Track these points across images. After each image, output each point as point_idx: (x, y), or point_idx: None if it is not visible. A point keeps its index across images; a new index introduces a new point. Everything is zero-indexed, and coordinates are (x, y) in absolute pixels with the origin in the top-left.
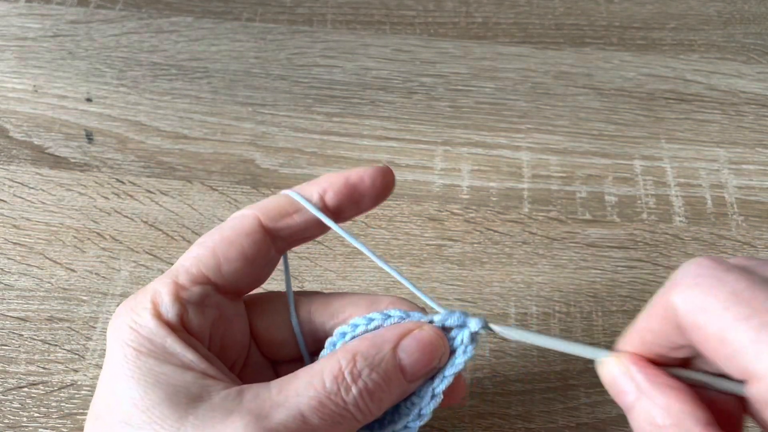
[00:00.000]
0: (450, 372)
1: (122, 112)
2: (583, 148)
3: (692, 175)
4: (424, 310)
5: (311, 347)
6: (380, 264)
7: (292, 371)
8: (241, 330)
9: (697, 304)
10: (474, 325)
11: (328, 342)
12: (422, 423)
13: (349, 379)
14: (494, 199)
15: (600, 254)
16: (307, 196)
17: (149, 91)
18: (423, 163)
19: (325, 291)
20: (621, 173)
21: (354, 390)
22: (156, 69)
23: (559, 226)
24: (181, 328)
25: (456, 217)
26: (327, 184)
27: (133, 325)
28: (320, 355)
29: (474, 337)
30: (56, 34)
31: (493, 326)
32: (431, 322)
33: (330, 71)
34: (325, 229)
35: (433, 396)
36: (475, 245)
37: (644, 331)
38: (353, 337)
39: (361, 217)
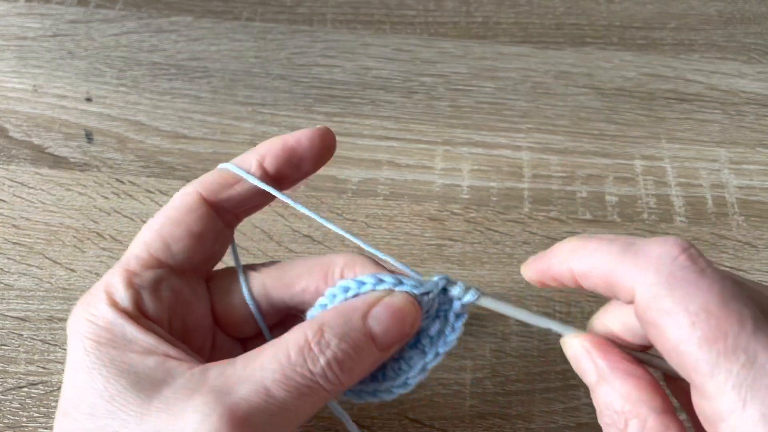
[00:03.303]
0: (443, 349)
1: (122, 111)
2: (584, 148)
3: (693, 175)
4: (391, 272)
5: (272, 320)
6: (335, 229)
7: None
8: (202, 312)
9: (663, 308)
10: (459, 292)
11: (308, 315)
12: (406, 391)
13: (316, 349)
14: (495, 199)
15: None
16: (245, 165)
17: (149, 90)
18: (423, 162)
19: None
20: (621, 173)
21: (322, 360)
22: (156, 69)
23: (560, 226)
24: (138, 314)
25: (456, 217)
26: (264, 150)
27: (90, 317)
28: None
29: (462, 312)
30: (56, 34)
31: (484, 300)
32: (414, 291)
33: (330, 71)
34: (270, 197)
35: (423, 370)
36: (476, 245)
37: (611, 316)
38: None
39: (361, 217)
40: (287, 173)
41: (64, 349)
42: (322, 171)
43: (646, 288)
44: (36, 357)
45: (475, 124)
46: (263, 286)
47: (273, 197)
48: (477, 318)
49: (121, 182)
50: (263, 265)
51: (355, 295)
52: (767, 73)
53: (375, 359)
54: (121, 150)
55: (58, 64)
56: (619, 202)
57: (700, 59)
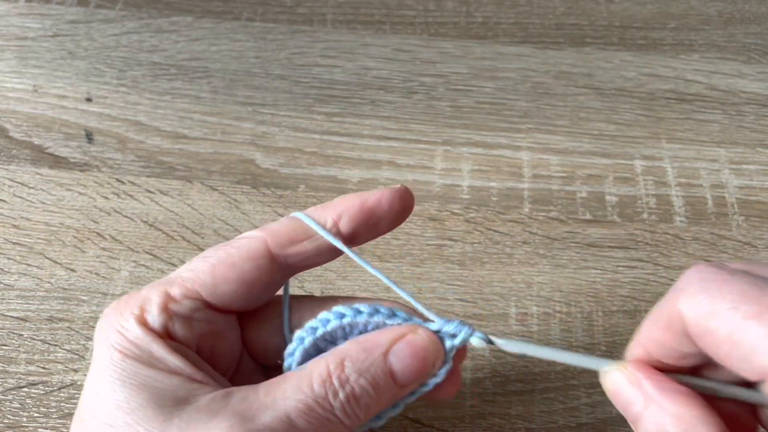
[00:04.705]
0: (421, 390)
1: (122, 111)
2: (584, 148)
3: (693, 175)
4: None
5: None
6: (391, 284)
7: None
8: (232, 342)
9: (704, 309)
10: (465, 335)
11: (295, 336)
12: (376, 425)
13: (336, 383)
14: (495, 199)
15: (600, 254)
16: (320, 220)
17: (149, 90)
18: (423, 163)
19: (319, 294)
20: (621, 173)
21: (341, 395)
22: (156, 69)
23: (560, 225)
24: (166, 336)
25: (456, 217)
26: (342, 207)
27: (120, 328)
28: (287, 351)
29: (452, 351)
30: (56, 34)
31: (494, 339)
32: (436, 329)
33: (330, 71)
34: (337, 254)
35: (395, 407)
36: (476, 245)
37: (648, 341)
38: (323, 334)
39: None
40: (361, 233)
41: (65, 349)
42: (322, 171)
43: None
44: (36, 357)
45: (475, 124)
46: (299, 318)
47: (339, 254)
48: (477, 318)
49: (122, 182)
50: (301, 297)
51: (350, 325)
52: (767, 73)
53: (393, 395)
54: (121, 150)
55: (59, 64)
56: (619, 202)
57: (700, 59)
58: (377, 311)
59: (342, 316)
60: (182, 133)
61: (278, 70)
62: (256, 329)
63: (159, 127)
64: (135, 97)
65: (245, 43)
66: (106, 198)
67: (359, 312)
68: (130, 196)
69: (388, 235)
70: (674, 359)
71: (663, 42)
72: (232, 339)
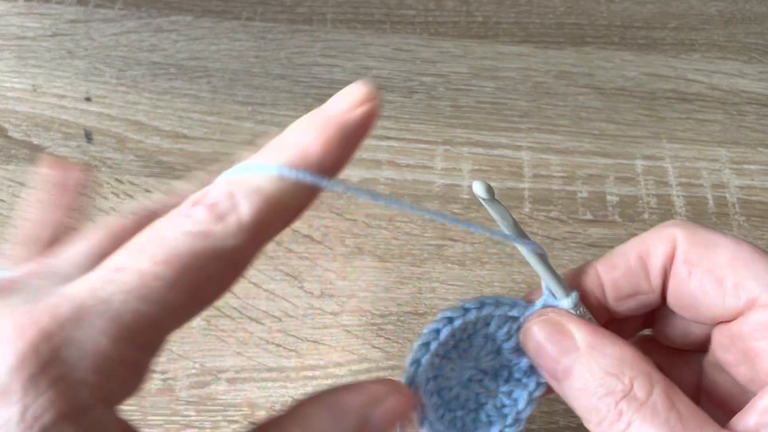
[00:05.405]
0: (543, 379)
1: (121, 111)
2: (584, 148)
3: (694, 174)
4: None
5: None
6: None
7: None
8: None
9: (704, 238)
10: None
11: (421, 339)
12: (519, 429)
13: None
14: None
15: (601, 254)
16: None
17: (148, 90)
18: (423, 162)
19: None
20: (622, 173)
21: None
22: (155, 68)
23: (560, 226)
24: None
25: (456, 216)
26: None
27: None
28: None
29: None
30: (55, 34)
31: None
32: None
33: (330, 70)
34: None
35: (530, 401)
36: (476, 245)
37: (609, 271)
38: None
39: (361, 217)
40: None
41: None
42: None
43: None
44: None
45: (476, 123)
46: None
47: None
48: None
49: (121, 182)
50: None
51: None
52: None
53: None
54: (120, 150)
55: (58, 64)
56: (619, 202)
57: (700, 59)
58: (500, 304)
59: (466, 311)
60: (182, 132)
61: (278, 70)
62: None
63: (158, 127)
64: (134, 96)
65: (245, 42)
66: (105, 198)
67: (483, 305)
68: (130, 196)
69: (388, 235)
70: (619, 298)
71: (663, 42)
72: None
